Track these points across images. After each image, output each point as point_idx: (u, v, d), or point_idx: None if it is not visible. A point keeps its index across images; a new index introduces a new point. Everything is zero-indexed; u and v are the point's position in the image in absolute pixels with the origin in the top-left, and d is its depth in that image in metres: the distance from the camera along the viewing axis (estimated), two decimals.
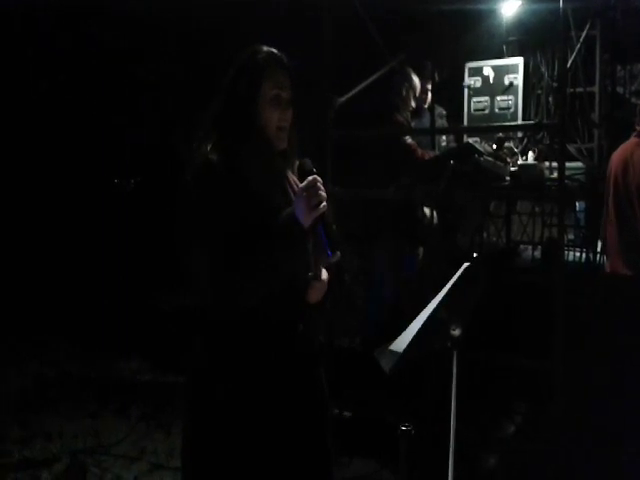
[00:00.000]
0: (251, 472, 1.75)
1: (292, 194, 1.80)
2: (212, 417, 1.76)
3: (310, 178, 1.70)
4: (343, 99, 4.20)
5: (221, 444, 1.75)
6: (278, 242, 1.68)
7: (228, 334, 1.75)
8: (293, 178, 1.87)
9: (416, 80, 4.72)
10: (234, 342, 1.75)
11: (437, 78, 4.87)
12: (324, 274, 1.83)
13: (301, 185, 1.72)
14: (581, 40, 4.64)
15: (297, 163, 1.88)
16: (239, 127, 1.78)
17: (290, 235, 1.68)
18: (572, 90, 4.78)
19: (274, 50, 1.85)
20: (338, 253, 1.72)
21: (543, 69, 5.01)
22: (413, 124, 4.81)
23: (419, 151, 4.47)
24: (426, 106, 4.97)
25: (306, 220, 1.67)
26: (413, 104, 4.75)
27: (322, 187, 1.70)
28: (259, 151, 1.78)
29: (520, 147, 4.76)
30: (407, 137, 4.51)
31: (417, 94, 4.77)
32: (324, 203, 1.68)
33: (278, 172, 1.83)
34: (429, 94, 4.89)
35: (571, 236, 4.69)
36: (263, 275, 1.68)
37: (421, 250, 4.55)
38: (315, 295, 1.82)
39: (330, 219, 1.75)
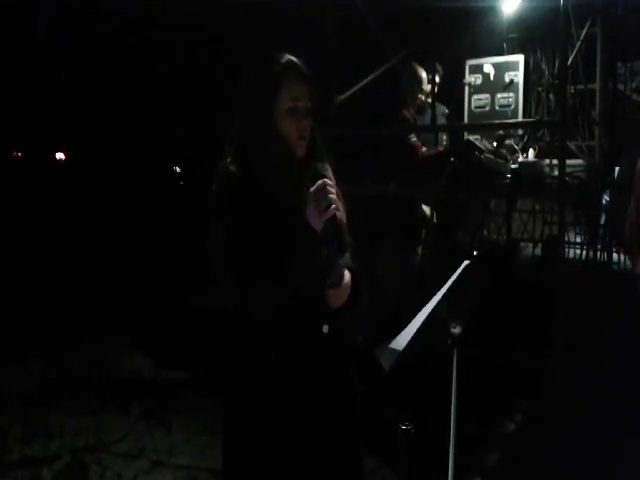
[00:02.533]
0: (285, 468, 1.79)
1: None
2: (248, 416, 1.81)
3: (319, 182, 1.71)
4: (343, 97, 4.20)
5: (259, 441, 1.79)
6: (292, 247, 1.70)
7: (257, 335, 1.79)
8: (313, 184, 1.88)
9: (424, 75, 4.72)
10: (263, 342, 1.79)
11: (441, 71, 4.86)
12: (346, 277, 1.83)
13: (310, 189, 1.72)
14: (582, 37, 4.64)
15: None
16: (257, 138, 1.81)
17: (302, 239, 1.71)
18: (573, 87, 4.78)
19: (292, 59, 1.82)
20: (347, 255, 1.72)
21: (544, 66, 5.01)
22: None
23: (422, 150, 4.45)
24: (429, 100, 4.96)
25: (316, 224, 1.69)
26: (422, 98, 4.74)
27: (331, 190, 1.71)
28: (276, 160, 1.80)
29: (520, 144, 4.75)
30: (412, 136, 4.50)
31: (424, 88, 4.76)
32: (334, 205, 1.69)
33: (296, 179, 1.82)
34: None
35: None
36: (278, 279, 1.72)
37: (421, 248, 4.55)
38: (335, 301, 1.84)
39: (343, 221, 1.75)
